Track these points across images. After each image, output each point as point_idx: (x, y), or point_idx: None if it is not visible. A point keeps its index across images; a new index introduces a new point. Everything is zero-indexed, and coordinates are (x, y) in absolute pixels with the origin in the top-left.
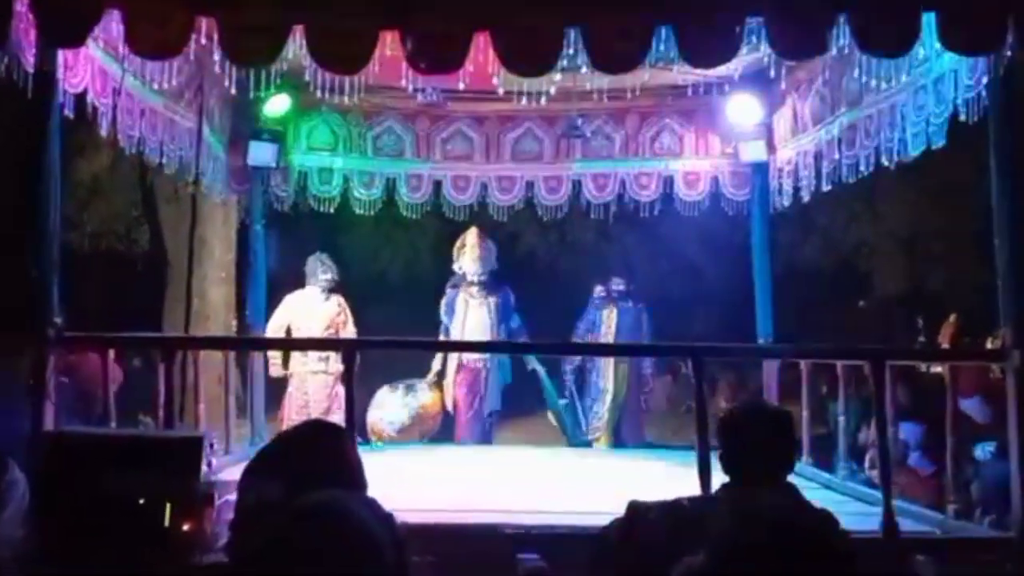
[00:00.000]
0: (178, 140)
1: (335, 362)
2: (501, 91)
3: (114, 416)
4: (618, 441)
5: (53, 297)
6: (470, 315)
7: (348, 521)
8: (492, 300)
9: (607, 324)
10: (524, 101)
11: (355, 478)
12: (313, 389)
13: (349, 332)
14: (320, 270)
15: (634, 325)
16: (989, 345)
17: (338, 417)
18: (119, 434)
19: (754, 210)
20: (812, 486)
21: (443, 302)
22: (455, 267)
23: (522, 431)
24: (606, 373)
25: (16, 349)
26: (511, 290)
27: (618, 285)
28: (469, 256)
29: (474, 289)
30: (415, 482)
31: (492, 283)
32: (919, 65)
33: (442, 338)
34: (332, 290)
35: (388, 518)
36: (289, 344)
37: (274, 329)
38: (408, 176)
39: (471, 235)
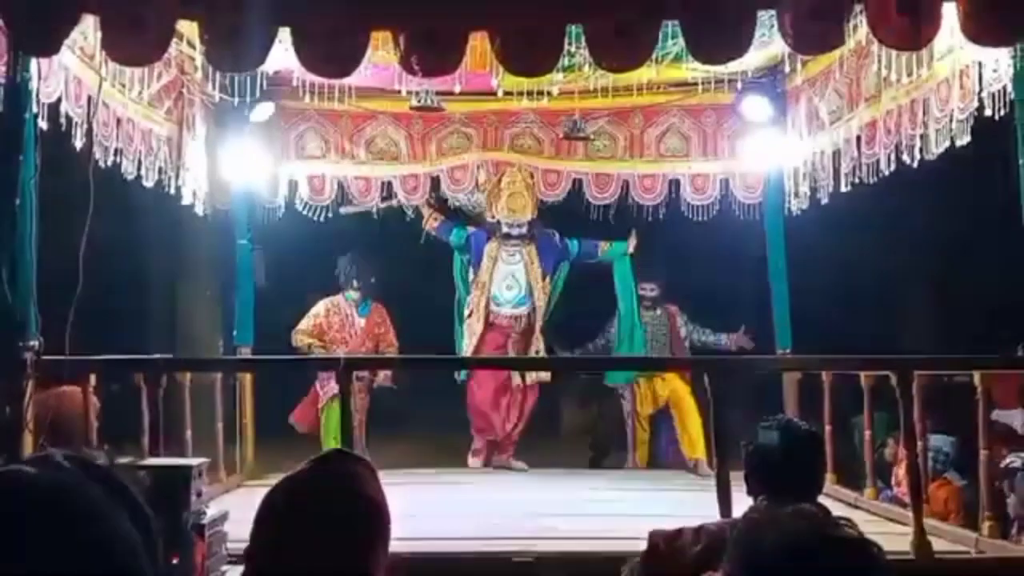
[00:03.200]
0: (157, 151)
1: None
2: (500, 92)
3: (95, 446)
4: (657, 463)
5: (30, 320)
6: (499, 266)
7: None
8: (531, 247)
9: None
10: (525, 100)
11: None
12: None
13: (391, 345)
14: (355, 273)
15: (665, 335)
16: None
17: None
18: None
19: (769, 214)
20: (838, 506)
21: (464, 235)
22: (487, 216)
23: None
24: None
25: None
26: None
27: (649, 291)
28: (508, 200)
29: (510, 240)
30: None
31: (533, 232)
32: (941, 58)
33: (468, 300)
34: (370, 296)
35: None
36: (282, 364)
37: (303, 337)
38: (404, 177)
39: (514, 177)
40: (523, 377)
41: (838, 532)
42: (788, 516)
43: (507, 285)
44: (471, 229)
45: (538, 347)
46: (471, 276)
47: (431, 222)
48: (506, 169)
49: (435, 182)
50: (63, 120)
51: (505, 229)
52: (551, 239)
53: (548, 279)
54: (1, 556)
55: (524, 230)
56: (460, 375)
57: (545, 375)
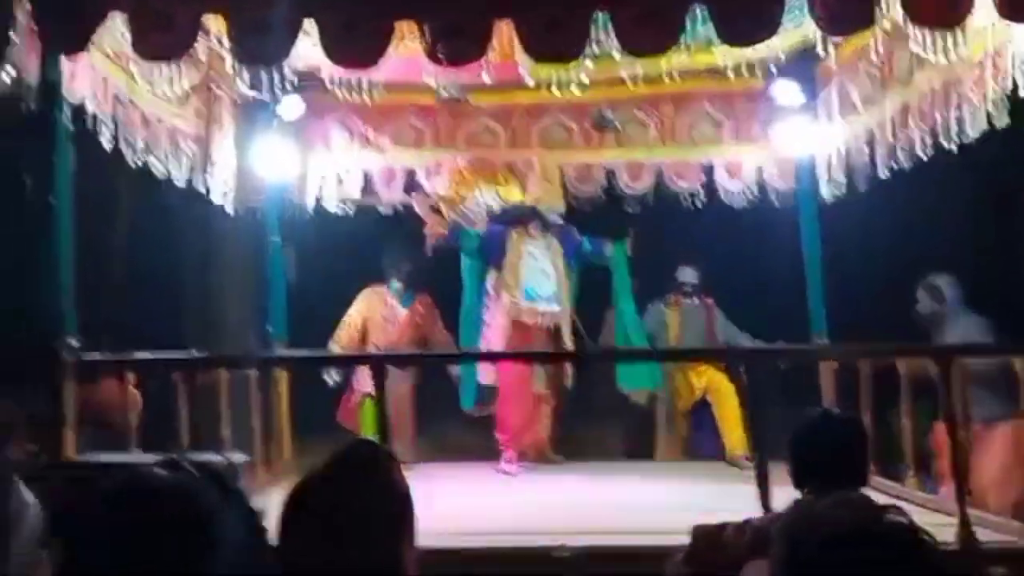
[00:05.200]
0: (187, 149)
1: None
2: (531, 82)
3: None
4: (694, 455)
5: (68, 318)
6: (526, 260)
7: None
8: (554, 241)
9: (670, 328)
10: (553, 91)
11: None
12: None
13: (439, 336)
14: (397, 262)
15: (702, 326)
16: None
17: None
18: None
19: (802, 201)
20: (879, 497)
21: (476, 237)
22: (490, 200)
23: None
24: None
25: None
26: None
27: (691, 279)
28: (551, 188)
29: (535, 229)
30: (456, 500)
31: (555, 225)
32: (976, 37)
33: (491, 289)
34: (415, 288)
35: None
36: (316, 361)
37: (346, 328)
38: (428, 166)
39: (550, 161)
40: (552, 385)
41: (887, 519)
42: (834, 505)
43: (538, 281)
44: (481, 229)
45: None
46: (491, 278)
47: (437, 229)
48: (542, 154)
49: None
50: (90, 120)
51: (545, 216)
52: (571, 234)
53: (569, 276)
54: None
55: (559, 220)
56: (488, 378)
57: (568, 380)
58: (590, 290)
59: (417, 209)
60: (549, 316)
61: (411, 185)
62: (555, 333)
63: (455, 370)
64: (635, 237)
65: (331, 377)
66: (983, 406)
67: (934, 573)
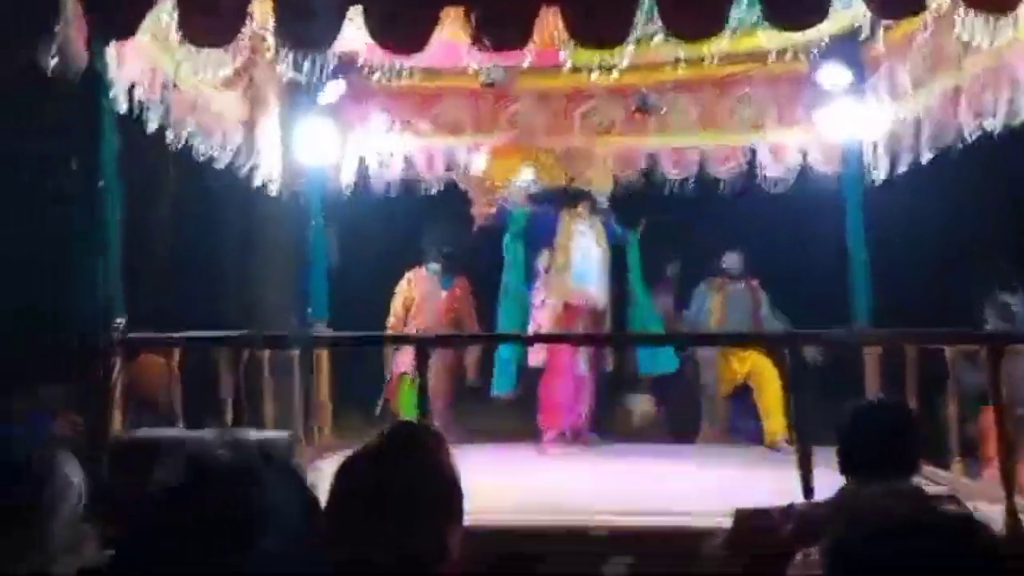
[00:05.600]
0: (230, 132)
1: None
2: (569, 65)
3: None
4: (734, 439)
5: (116, 299)
6: (578, 241)
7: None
8: (599, 226)
9: (713, 312)
10: (595, 75)
11: (447, 492)
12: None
13: (469, 323)
14: (437, 243)
15: (747, 309)
16: None
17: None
18: (202, 437)
19: (848, 185)
20: (926, 485)
21: (523, 217)
22: (530, 179)
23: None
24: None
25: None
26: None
27: (733, 263)
28: (602, 171)
29: (585, 211)
30: (495, 481)
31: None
32: None
33: (542, 269)
34: (454, 270)
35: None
36: (357, 341)
37: (395, 316)
38: (470, 148)
39: (601, 145)
40: (592, 366)
41: (945, 510)
42: (889, 494)
43: (587, 263)
44: (529, 209)
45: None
46: (542, 259)
47: (484, 208)
48: (594, 138)
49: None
50: (137, 104)
51: (594, 199)
52: (610, 218)
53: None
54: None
55: (606, 203)
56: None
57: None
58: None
59: (462, 186)
60: (596, 298)
61: (452, 163)
62: (600, 315)
63: (473, 371)
64: (645, 226)
65: (389, 371)
66: None
67: (991, 564)
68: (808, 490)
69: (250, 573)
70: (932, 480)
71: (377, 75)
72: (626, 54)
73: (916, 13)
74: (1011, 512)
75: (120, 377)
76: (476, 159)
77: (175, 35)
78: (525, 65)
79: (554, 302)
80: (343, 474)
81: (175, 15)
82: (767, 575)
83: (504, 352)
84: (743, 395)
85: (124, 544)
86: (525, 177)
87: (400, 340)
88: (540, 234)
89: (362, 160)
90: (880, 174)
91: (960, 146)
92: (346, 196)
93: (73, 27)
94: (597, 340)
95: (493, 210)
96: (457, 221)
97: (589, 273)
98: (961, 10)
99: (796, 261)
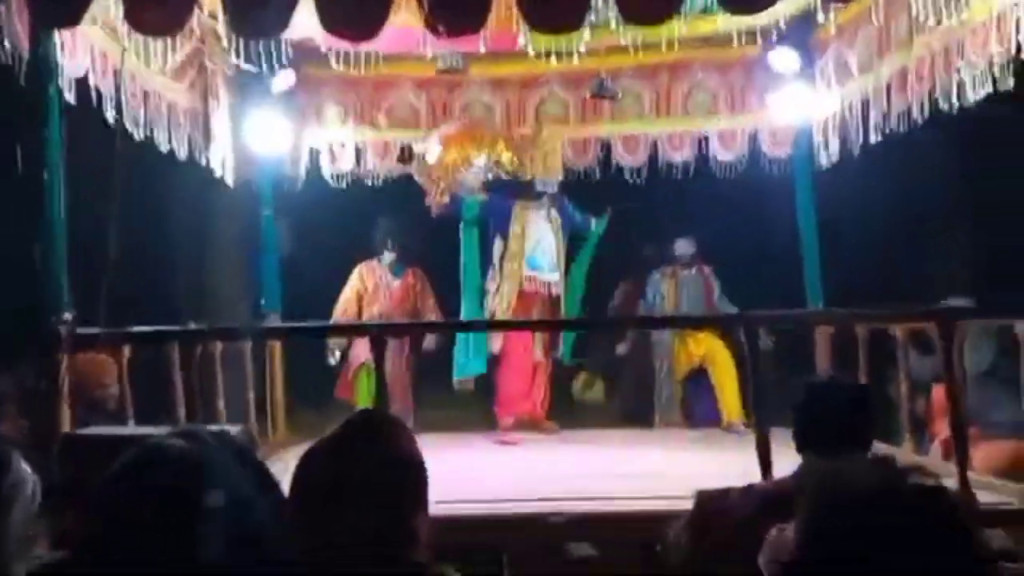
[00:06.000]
0: (184, 123)
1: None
2: (531, 51)
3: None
4: (691, 422)
5: (63, 292)
6: (531, 229)
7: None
8: (554, 210)
9: (667, 298)
10: (553, 60)
11: (413, 479)
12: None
13: (430, 308)
14: (387, 235)
15: (699, 295)
16: None
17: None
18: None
19: (798, 168)
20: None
21: (476, 206)
22: (480, 167)
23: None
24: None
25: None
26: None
27: (684, 249)
28: (547, 159)
29: (536, 201)
30: (454, 469)
31: (554, 195)
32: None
33: (496, 257)
34: (406, 260)
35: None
36: (312, 331)
37: (343, 304)
38: (423, 138)
39: (555, 133)
40: (545, 352)
41: (916, 481)
42: (862, 467)
43: (541, 250)
44: (482, 197)
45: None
46: (497, 247)
47: (439, 198)
48: (542, 125)
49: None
50: (92, 93)
51: (539, 188)
52: (566, 205)
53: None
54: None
55: (555, 190)
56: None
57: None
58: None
59: (416, 177)
60: (550, 285)
61: (406, 154)
62: (555, 302)
63: (430, 344)
64: (612, 216)
65: (333, 356)
66: None
67: (965, 534)
68: (767, 470)
69: (213, 561)
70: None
71: (332, 63)
72: (581, 39)
73: None
74: (964, 484)
75: (68, 373)
76: (431, 149)
77: (122, 24)
78: (481, 51)
79: (508, 289)
80: (305, 464)
81: (121, 3)
82: (730, 555)
83: (462, 340)
84: (698, 378)
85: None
86: (478, 166)
87: (357, 330)
88: (495, 222)
89: (314, 151)
90: (831, 157)
91: (906, 130)
92: (299, 187)
93: (15, 14)
94: (553, 326)
95: (447, 200)
96: (409, 211)
97: (542, 260)
98: None
99: (749, 245)
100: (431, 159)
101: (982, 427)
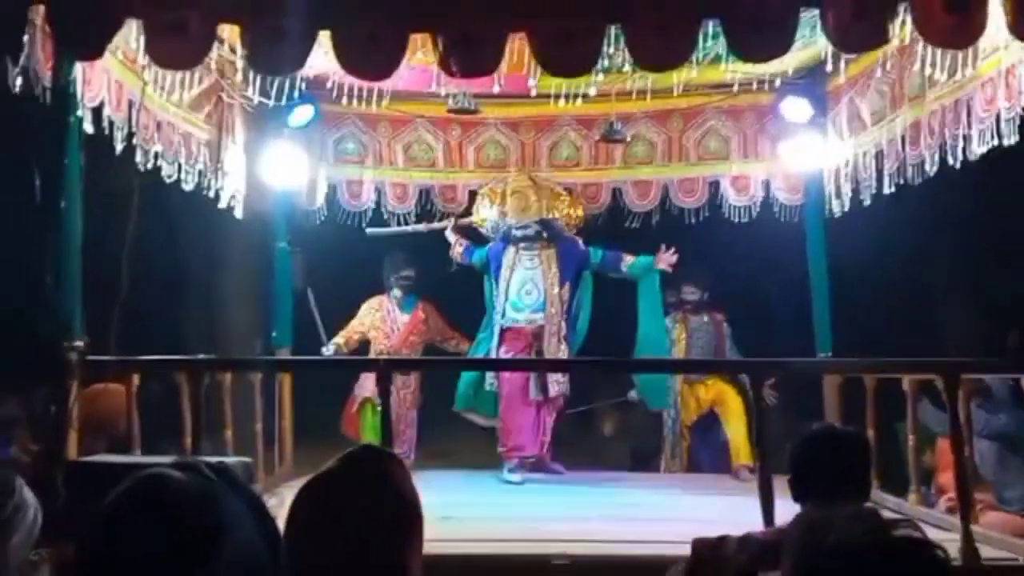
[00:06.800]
0: (197, 154)
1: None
2: (534, 92)
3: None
4: (697, 468)
5: (76, 320)
6: (517, 272)
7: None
8: (549, 252)
9: (676, 344)
10: (562, 102)
11: (408, 516)
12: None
13: (449, 334)
14: (396, 268)
15: (710, 342)
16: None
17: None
18: (156, 462)
19: (809, 216)
20: (886, 513)
21: (484, 254)
22: (494, 218)
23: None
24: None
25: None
26: (581, 243)
27: (691, 295)
28: (515, 202)
29: (525, 243)
30: (457, 508)
31: (552, 236)
32: (987, 56)
33: (494, 300)
34: (414, 292)
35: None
36: (321, 364)
37: (348, 329)
38: (441, 187)
39: (519, 177)
40: (544, 391)
41: (902, 534)
42: (847, 518)
43: (526, 291)
44: (490, 245)
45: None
46: (493, 290)
47: (457, 249)
48: (513, 169)
49: (472, 195)
50: (105, 124)
51: (514, 232)
52: (572, 245)
53: (567, 287)
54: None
55: (530, 232)
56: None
57: (566, 388)
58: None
59: (448, 235)
60: (534, 325)
61: (427, 206)
62: (538, 341)
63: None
64: (668, 251)
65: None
66: None
67: None
68: (769, 518)
69: None
70: (887, 507)
71: (345, 100)
72: (593, 83)
73: (877, 47)
74: (967, 537)
75: (78, 400)
76: (482, 208)
77: (142, 57)
78: (495, 91)
79: (497, 330)
80: (302, 498)
81: (141, 37)
82: None
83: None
84: (707, 424)
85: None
86: (490, 218)
87: (364, 365)
88: (493, 267)
89: (331, 187)
90: (842, 205)
91: (919, 181)
92: (316, 222)
93: (39, 46)
94: (559, 367)
95: (462, 248)
96: (427, 251)
97: (526, 301)
98: (920, 45)
99: (760, 291)
100: (479, 218)
101: (996, 497)
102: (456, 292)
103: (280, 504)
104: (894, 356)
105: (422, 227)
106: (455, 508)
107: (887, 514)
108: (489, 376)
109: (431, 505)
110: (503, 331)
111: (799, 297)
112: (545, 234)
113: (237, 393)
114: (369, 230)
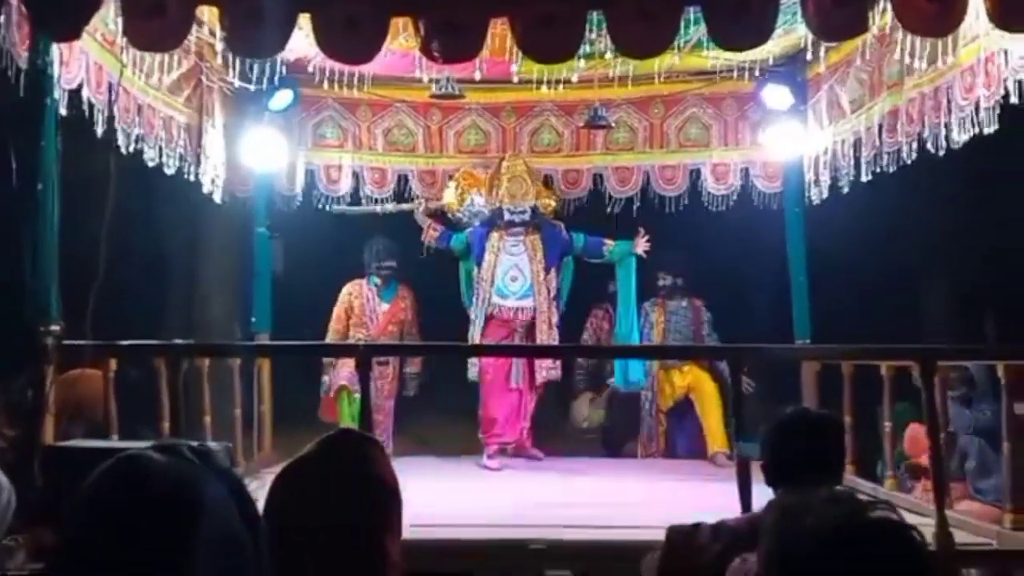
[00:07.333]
0: (177, 138)
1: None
2: (516, 79)
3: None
4: (673, 454)
5: (52, 304)
6: (502, 257)
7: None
8: (535, 238)
9: (656, 328)
10: (544, 88)
11: (387, 500)
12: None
13: (414, 333)
14: (377, 257)
15: (688, 327)
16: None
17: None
18: (132, 447)
19: (788, 203)
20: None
21: (463, 239)
22: (482, 203)
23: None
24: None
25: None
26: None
27: (663, 280)
28: (509, 185)
29: (511, 229)
30: (435, 494)
31: (539, 222)
32: (967, 44)
33: (476, 285)
34: (395, 279)
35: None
36: (300, 350)
37: (333, 325)
38: (420, 172)
39: (514, 162)
40: (531, 378)
41: (879, 516)
42: (824, 501)
43: (511, 276)
44: (469, 229)
45: (548, 342)
46: (475, 276)
47: (431, 233)
48: (506, 153)
49: (451, 177)
50: (85, 106)
51: (507, 216)
52: (557, 231)
53: (552, 273)
54: (125, 540)
55: (527, 216)
56: (472, 373)
57: (556, 374)
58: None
59: (416, 218)
60: (522, 311)
61: (404, 189)
62: (528, 328)
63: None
64: (645, 234)
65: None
66: None
67: (924, 569)
68: (747, 503)
69: None
70: (863, 492)
71: (326, 85)
72: (575, 69)
73: (858, 35)
74: (942, 523)
75: (55, 385)
76: (428, 188)
77: (120, 39)
78: (476, 77)
79: (480, 317)
80: (280, 481)
81: (119, 18)
82: None
83: None
84: (683, 409)
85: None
86: (477, 202)
87: (343, 350)
88: (475, 252)
89: (310, 172)
90: (821, 193)
91: (894, 168)
92: (294, 206)
93: (15, 26)
94: (532, 352)
95: (437, 233)
96: (403, 234)
97: (510, 289)
98: (900, 33)
99: (739, 278)
100: (445, 202)
101: (972, 487)
102: (429, 277)
103: (262, 487)
104: (874, 343)
105: (390, 207)
106: (433, 494)
107: (863, 497)
108: (471, 365)
109: (408, 490)
110: (487, 318)
111: (778, 284)
112: (535, 222)
113: (216, 378)
114: (336, 208)
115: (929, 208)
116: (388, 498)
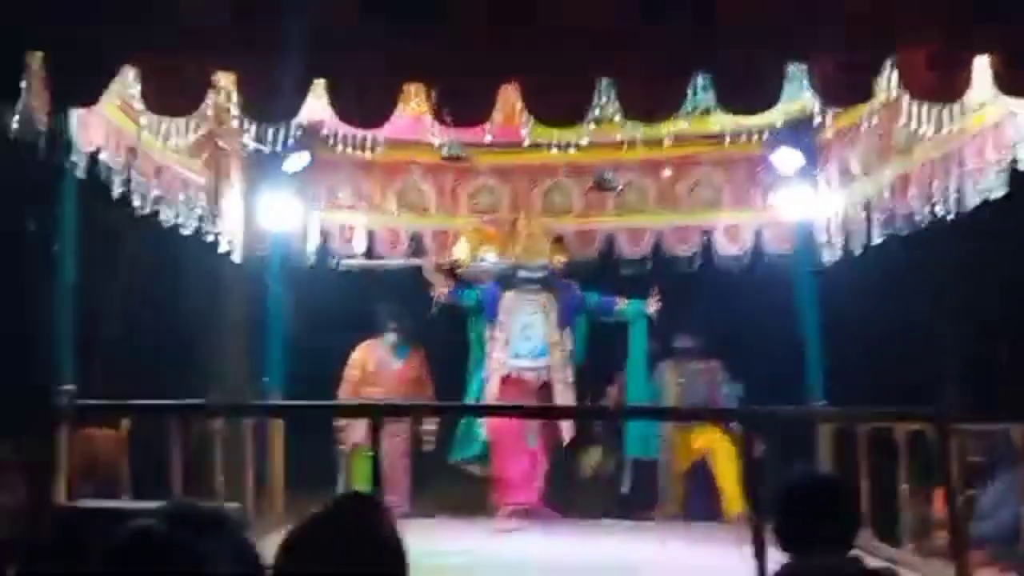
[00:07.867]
0: (195, 199)
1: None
2: (527, 142)
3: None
4: (691, 516)
5: (66, 365)
6: (517, 317)
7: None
8: (549, 296)
9: (671, 390)
10: (554, 151)
11: (391, 556)
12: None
13: (427, 394)
14: (393, 321)
15: (704, 388)
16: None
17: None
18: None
19: (799, 265)
20: (875, 562)
21: (475, 295)
22: (494, 260)
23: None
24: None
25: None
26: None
27: (683, 343)
28: (526, 242)
29: (527, 287)
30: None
31: (552, 281)
32: (976, 110)
33: (488, 347)
34: (409, 341)
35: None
36: (312, 410)
37: (346, 384)
38: (435, 233)
39: (529, 221)
40: (545, 439)
41: None
42: (828, 569)
43: (525, 336)
44: (482, 287)
45: (563, 403)
46: (487, 334)
47: (442, 290)
48: (521, 212)
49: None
50: (102, 169)
51: (522, 275)
52: (570, 290)
53: (567, 332)
54: None
55: (542, 275)
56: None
57: (573, 435)
58: (606, 349)
59: (426, 274)
60: (537, 372)
61: (418, 249)
62: (543, 388)
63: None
64: (658, 294)
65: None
66: None
67: None
68: (762, 568)
69: None
70: (878, 556)
71: (340, 147)
72: (585, 133)
73: (863, 101)
74: None
75: (67, 445)
76: (441, 249)
77: (138, 103)
78: (487, 140)
79: (494, 377)
80: (286, 544)
81: (137, 83)
82: None
83: (465, 423)
84: (700, 472)
85: None
86: (489, 259)
87: (356, 410)
88: (488, 311)
89: (324, 233)
90: (833, 255)
91: (906, 233)
92: (308, 266)
93: (36, 91)
94: (550, 414)
95: (447, 290)
96: (415, 294)
97: (526, 347)
98: (906, 99)
99: (753, 340)
100: (457, 256)
101: (994, 553)
102: (439, 335)
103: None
104: (892, 404)
105: (400, 261)
106: (447, 556)
107: (872, 563)
108: (480, 425)
109: (422, 554)
110: (503, 379)
111: (793, 342)
112: (548, 281)
113: (228, 438)
114: (344, 262)
115: (944, 269)
116: (393, 560)
